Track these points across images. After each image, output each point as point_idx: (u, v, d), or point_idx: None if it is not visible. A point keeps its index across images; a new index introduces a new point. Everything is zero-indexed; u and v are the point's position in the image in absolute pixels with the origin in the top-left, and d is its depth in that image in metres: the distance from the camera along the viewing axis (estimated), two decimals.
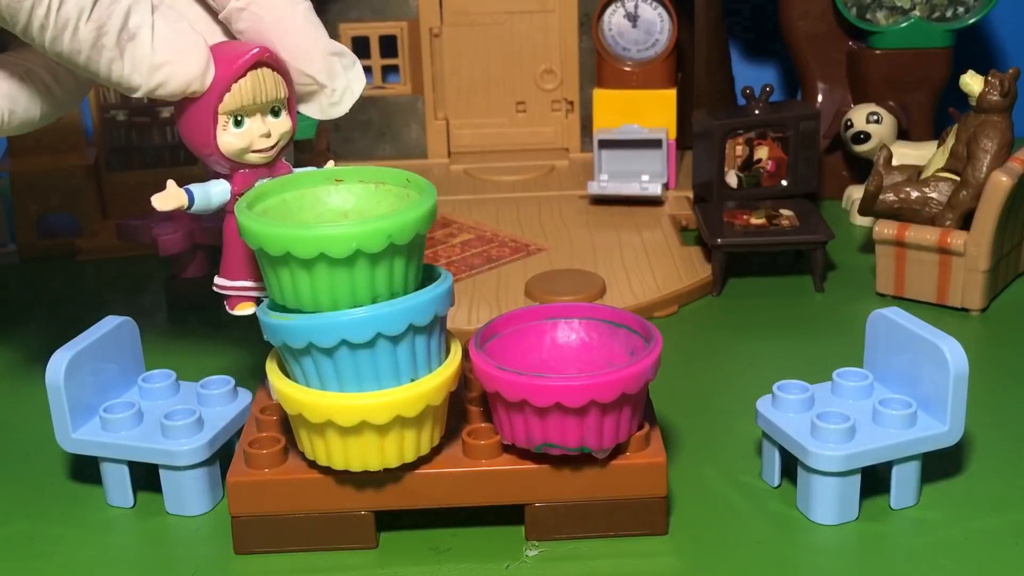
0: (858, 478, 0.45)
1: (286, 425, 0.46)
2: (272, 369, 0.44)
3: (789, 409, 0.47)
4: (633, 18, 0.82)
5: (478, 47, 0.89)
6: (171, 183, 0.44)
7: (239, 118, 0.43)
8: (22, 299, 0.73)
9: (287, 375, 0.43)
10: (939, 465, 0.49)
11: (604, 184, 0.79)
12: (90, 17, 0.40)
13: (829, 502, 0.45)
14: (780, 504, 0.47)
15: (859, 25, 0.82)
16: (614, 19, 0.82)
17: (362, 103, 0.90)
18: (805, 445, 0.45)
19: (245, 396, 0.50)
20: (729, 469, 0.50)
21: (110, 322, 0.50)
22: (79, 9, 0.40)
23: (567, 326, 0.47)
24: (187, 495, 0.47)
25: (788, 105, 0.78)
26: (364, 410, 0.41)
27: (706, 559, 0.44)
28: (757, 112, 0.75)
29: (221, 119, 0.43)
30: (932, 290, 0.66)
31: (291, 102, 0.45)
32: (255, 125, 0.44)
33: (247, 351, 0.62)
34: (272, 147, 0.45)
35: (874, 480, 0.46)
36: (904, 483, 0.46)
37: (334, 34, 0.89)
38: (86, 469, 0.51)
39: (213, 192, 0.45)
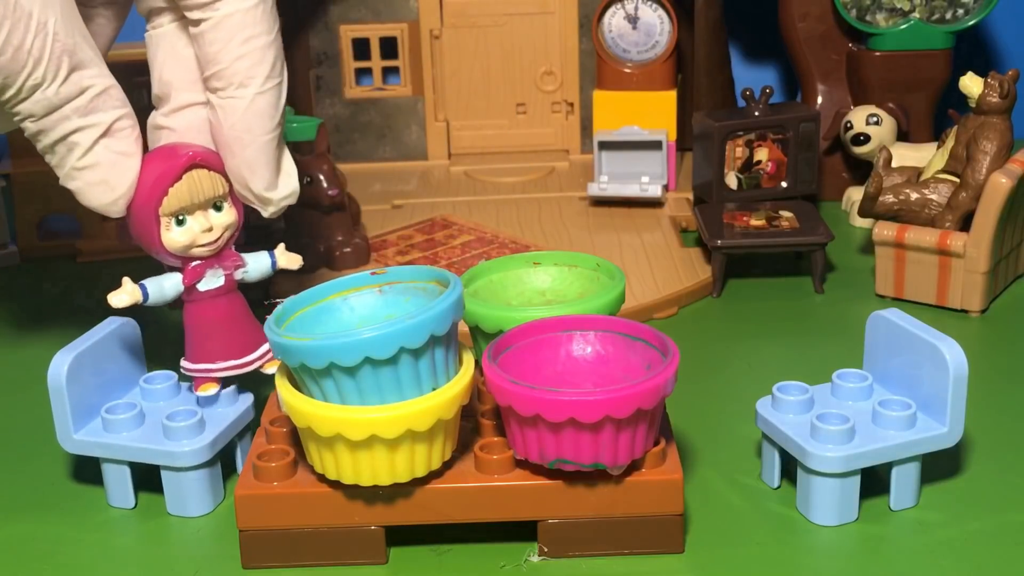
0: (858, 479, 0.45)
1: (296, 437, 0.45)
2: (281, 381, 0.43)
3: (789, 410, 0.47)
4: (633, 20, 0.82)
5: (478, 49, 0.89)
6: (126, 280, 0.47)
7: (180, 218, 0.47)
8: (23, 300, 0.73)
9: (297, 387, 0.43)
10: (939, 465, 0.49)
11: (604, 185, 0.80)
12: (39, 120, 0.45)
13: (829, 503, 0.45)
14: (780, 505, 0.47)
15: (859, 27, 0.82)
16: (614, 21, 0.82)
17: (363, 104, 0.91)
18: (805, 446, 0.45)
19: (246, 397, 0.50)
20: (729, 470, 0.50)
21: (111, 323, 0.50)
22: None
23: (583, 339, 0.46)
24: (188, 496, 0.47)
25: (788, 107, 0.78)
26: (374, 424, 0.41)
27: (705, 559, 0.44)
28: (757, 114, 0.75)
29: (163, 220, 0.46)
30: (932, 291, 0.66)
31: (234, 195, 0.48)
32: (196, 222, 0.47)
33: None
34: (215, 241, 0.48)
35: (874, 481, 0.47)
36: (904, 484, 0.46)
37: (334, 36, 0.89)
38: (87, 470, 0.51)
39: (167, 285, 0.48)
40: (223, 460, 0.49)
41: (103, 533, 0.47)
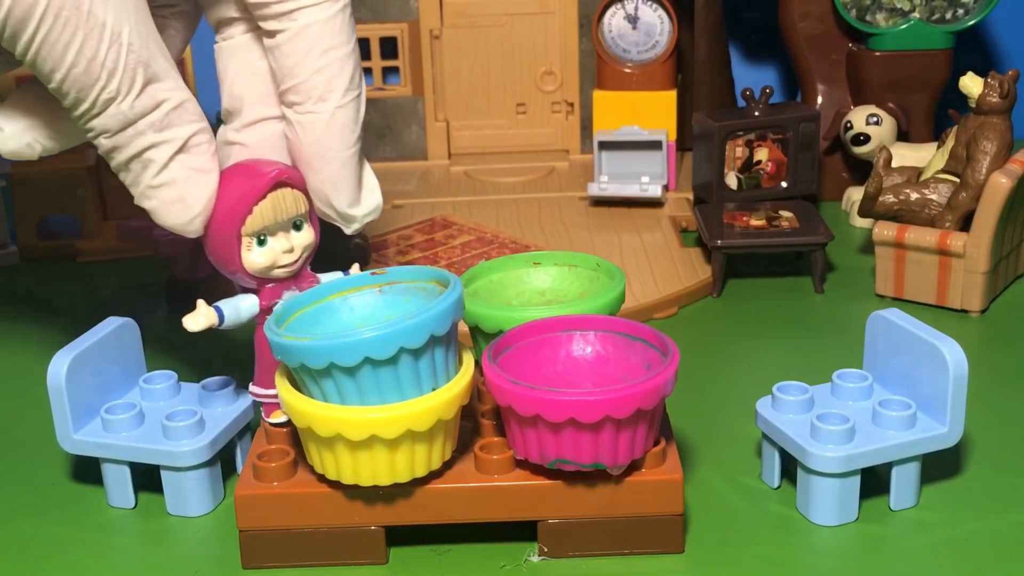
0: (858, 479, 0.45)
1: (296, 437, 0.45)
2: (281, 382, 0.43)
3: (789, 410, 0.47)
4: (633, 20, 0.82)
5: (478, 49, 0.89)
6: (201, 303, 0.44)
7: (262, 237, 0.44)
8: (23, 300, 0.73)
9: (297, 387, 0.43)
10: (939, 465, 0.49)
11: (604, 185, 0.80)
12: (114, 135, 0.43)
13: (829, 503, 0.45)
14: (780, 505, 0.47)
15: (859, 27, 0.82)
16: (614, 21, 0.82)
17: None
18: (805, 446, 0.45)
19: (246, 397, 0.50)
20: (729, 470, 0.50)
21: (111, 323, 0.50)
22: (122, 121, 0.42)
23: (583, 339, 0.46)
24: (188, 496, 0.47)
25: (788, 107, 0.78)
26: (374, 424, 0.41)
27: (705, 559, 0.44)
28: (757, 114, 0.75)
29: (245, 240, 0.44)
30: (932, 292, 0.66)
31: (312, 214, 0.46)
32: (278, 243, 0.45)
33: (248, 352, 0.61)
34: (295, 261, 0.46)
35: (874, 481, 0.47)
36: (904, 484, 0.46)
37: None
38: (87, 470, 0.51)
39: (242, 307, 0.45)
40: (223, 460, 0.49)
41: (103, 533, 0.47)
